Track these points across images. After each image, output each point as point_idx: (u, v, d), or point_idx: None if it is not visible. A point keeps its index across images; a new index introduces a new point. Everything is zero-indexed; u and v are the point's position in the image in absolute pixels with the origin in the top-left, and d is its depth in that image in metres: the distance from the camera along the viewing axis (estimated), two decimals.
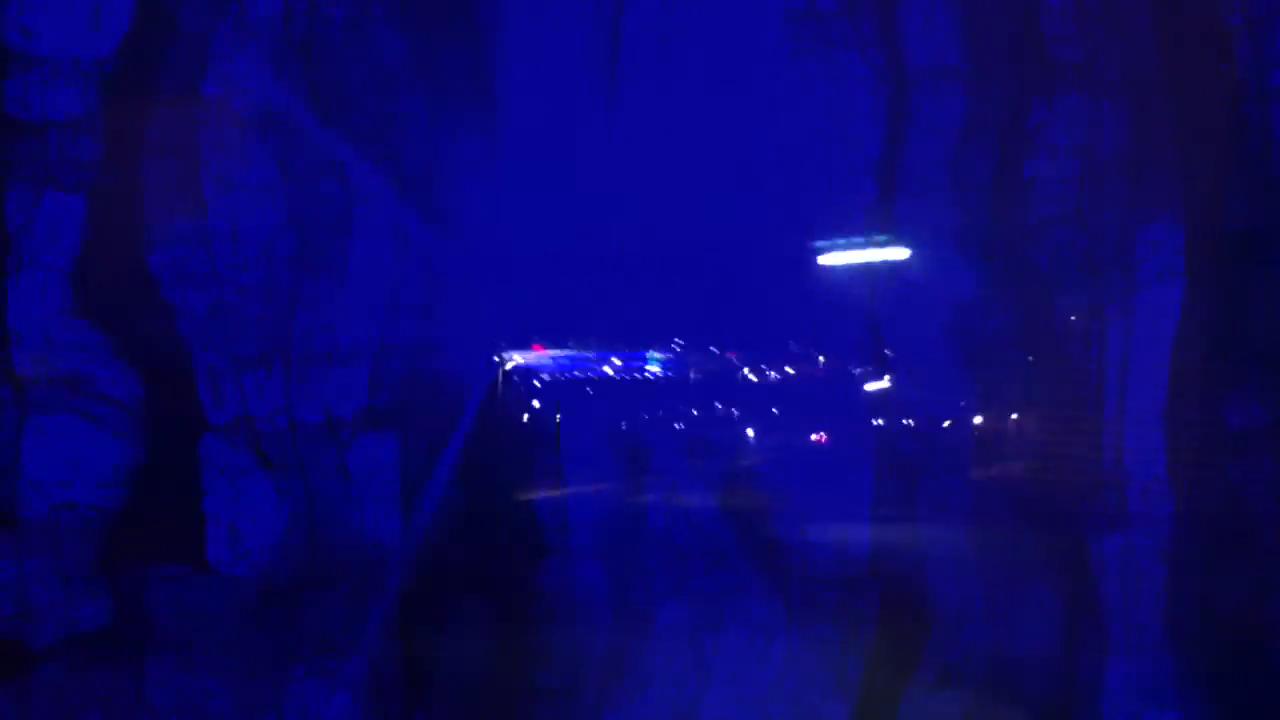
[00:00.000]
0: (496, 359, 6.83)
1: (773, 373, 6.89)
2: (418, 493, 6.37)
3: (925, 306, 6.44)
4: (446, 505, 6.41)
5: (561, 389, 6.91)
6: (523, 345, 6.95)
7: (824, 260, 6.61)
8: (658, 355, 7.02)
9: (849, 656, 6.35)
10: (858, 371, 6.71)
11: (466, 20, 6.63)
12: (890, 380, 6.61)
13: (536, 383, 6.91)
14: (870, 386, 6.66)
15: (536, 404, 6.83)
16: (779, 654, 6.38)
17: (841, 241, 6.58)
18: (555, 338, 6.99)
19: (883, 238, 6.44)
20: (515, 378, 6.85)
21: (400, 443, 6.36)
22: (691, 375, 6.98)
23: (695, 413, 6.88)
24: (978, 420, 6.49)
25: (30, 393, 5.87)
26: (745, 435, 6.81)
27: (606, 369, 6.98)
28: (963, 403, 6.55)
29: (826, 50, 6.50)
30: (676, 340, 7.01)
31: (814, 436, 6.68)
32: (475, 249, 6.62)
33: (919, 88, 6.51)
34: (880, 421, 6.64)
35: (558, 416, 6.76)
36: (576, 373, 6.96)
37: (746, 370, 6.96)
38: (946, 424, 6.56)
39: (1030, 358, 6.40)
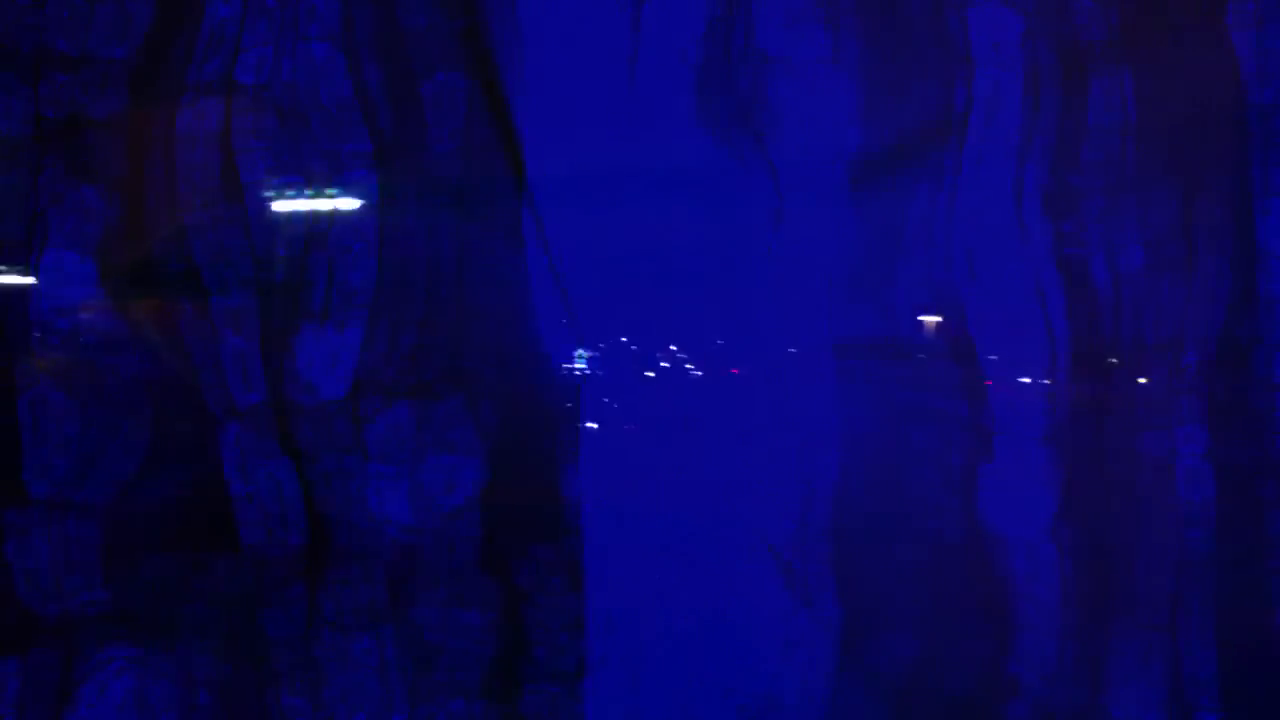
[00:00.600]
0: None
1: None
2: (435, 471, 6.45)
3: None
4: (466, 484, 6.48)
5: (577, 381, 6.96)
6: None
7: None
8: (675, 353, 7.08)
9: (854, 639, 6.40)
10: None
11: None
12: None
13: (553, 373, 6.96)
14: None
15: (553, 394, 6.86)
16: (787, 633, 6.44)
17: None
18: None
19: None
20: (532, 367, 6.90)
21: (415, 420, 6.45)
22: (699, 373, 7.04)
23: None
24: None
25: (49, 374, 6.03)
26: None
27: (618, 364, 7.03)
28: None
29: None
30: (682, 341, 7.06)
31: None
32: (504, 233, 6.71)
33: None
34: None
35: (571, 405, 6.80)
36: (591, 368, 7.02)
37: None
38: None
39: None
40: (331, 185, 6.40)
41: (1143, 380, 6.27)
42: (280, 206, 6.34)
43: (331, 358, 6.36)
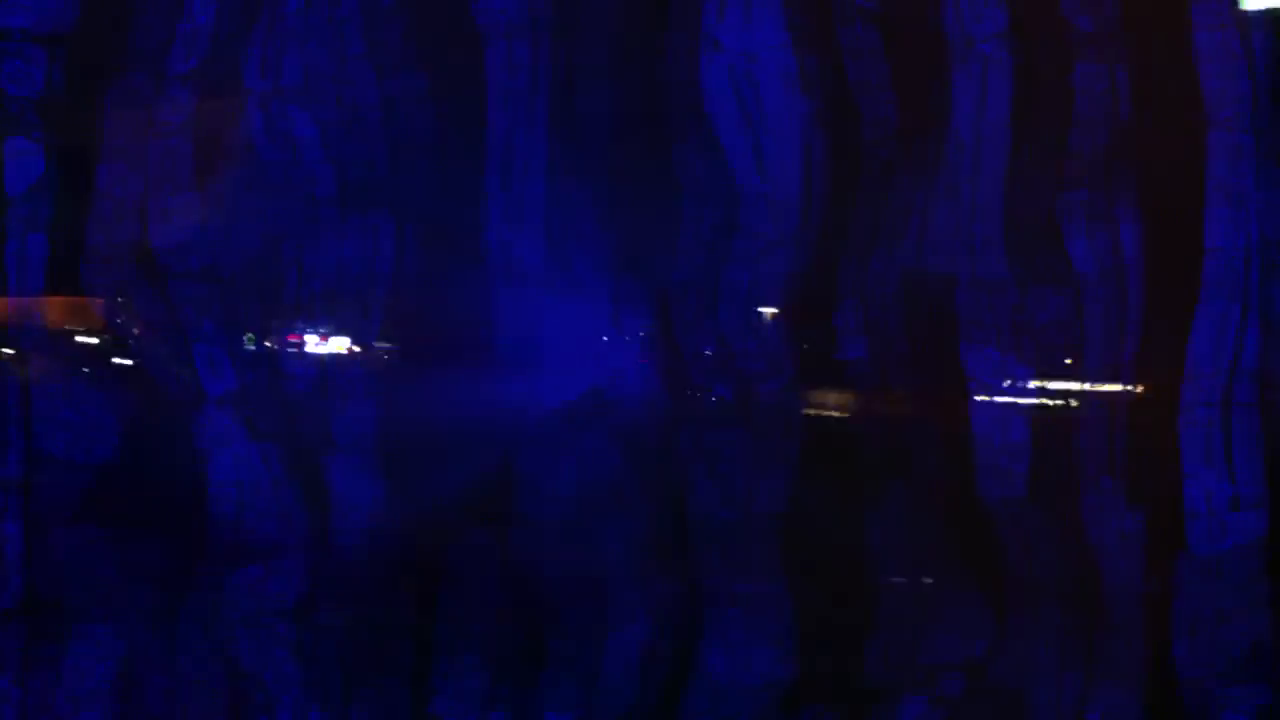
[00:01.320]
0: None
1: None
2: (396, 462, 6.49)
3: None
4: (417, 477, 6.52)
5: None
6: None
7: None
8: None
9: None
10: None
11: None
12: None
13: None
14: None
15: None
16: None
17: None
18: None
19: None
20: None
21: (380, 413, 6.49)
22: None
23: None
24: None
25: (25, 361, 6.14)
26: None
27: None
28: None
29: None
30: None
31: None
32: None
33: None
34: None
35: None
36: None
37: None
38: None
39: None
40: (301, 181, 6.44)
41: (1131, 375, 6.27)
42: (249, 198, 6.39)
43: (303, 348, 6.43)
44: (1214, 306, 6.03)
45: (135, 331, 6.29)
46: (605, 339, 6.64)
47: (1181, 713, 5.90)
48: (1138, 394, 6.23)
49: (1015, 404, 6.37)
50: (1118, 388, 6.24)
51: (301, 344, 6.46)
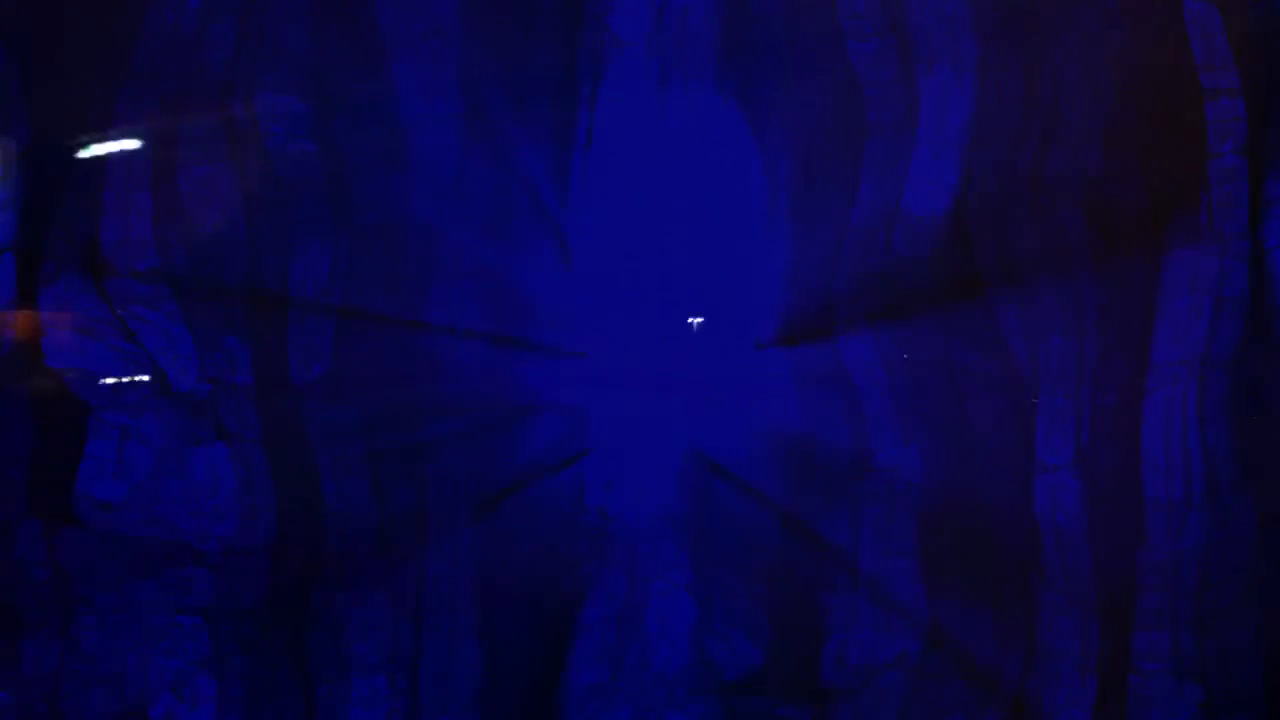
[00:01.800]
0: None
1: None
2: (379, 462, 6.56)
3: None
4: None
5: None
6: None
7: None
8: None
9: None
10: None
11: None
12: None
13: None
14: None
15: None
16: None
17: None
18: None
19: None
20: None
21: (360, 412, 6.53)
22: None
23: None
24: None
25: None
26: None
27: None
28: None
29: None
30: None
31: None
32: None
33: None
34: None
35: None
36: None
37: None
38: None
39: None
40: (273, 181, 6.45)
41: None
42: (207, 196, 6.37)
43: (266, 350, 6.45)
44: (1180, 297, 6.02)
45: (93, 331, 6.29)
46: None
47: (1130, 707, 5.97)
48: (1100, 382, 6.23)
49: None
50: (1080, 377, 6.25)
51: (265, 344, 6.49)
